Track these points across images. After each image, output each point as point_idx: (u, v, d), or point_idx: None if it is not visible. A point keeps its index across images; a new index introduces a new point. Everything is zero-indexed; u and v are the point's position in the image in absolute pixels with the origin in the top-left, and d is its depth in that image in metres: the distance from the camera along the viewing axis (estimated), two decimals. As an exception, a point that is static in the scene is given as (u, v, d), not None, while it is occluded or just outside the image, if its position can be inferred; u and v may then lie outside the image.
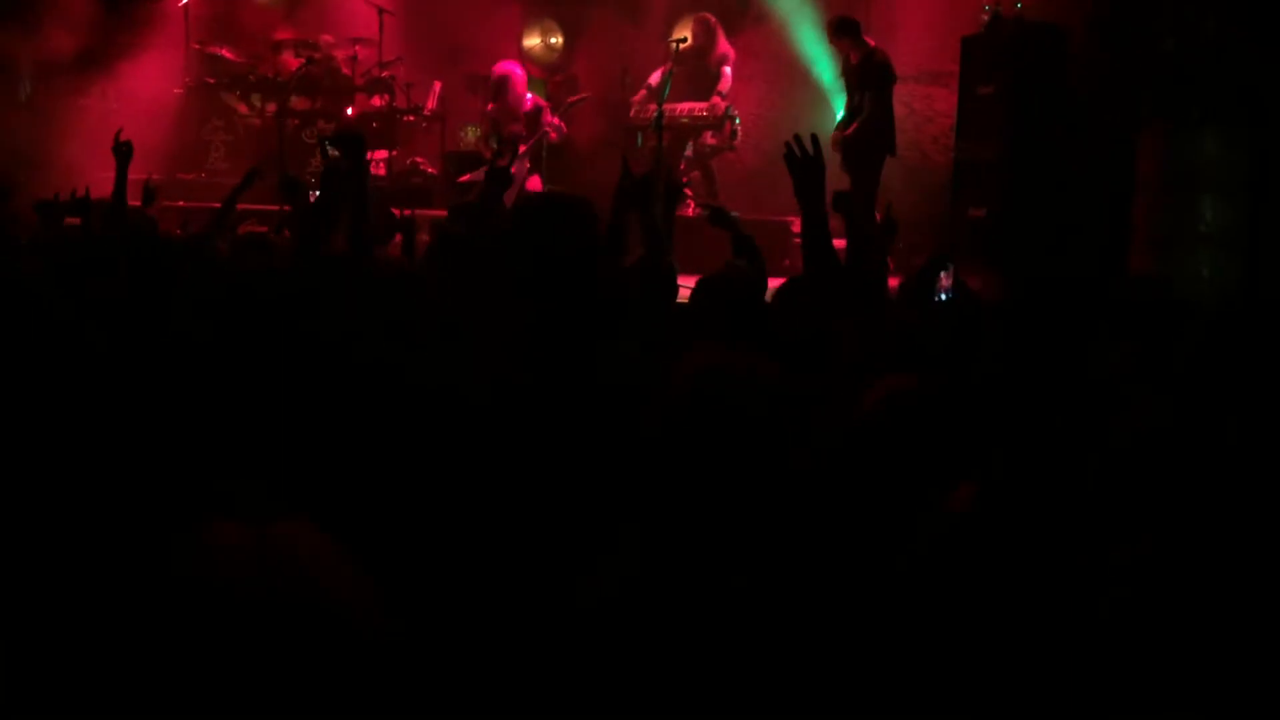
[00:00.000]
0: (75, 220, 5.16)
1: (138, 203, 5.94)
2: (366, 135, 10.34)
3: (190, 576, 1.05)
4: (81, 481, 2.07)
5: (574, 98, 10.34)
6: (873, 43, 8.89)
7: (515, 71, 9.87)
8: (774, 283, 4.01)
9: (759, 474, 1.71)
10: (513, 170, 9.60)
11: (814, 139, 3.48)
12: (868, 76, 8.77)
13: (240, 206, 7.92)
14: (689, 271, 4.48)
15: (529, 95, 9.92)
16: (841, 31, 8.85)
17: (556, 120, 9.87)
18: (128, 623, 1.04)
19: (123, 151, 5.00)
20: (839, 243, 3.88)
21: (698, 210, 9.77)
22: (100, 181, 5.42)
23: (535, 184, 9.70)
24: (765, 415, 1.76)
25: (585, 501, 1.90)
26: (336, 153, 4.19)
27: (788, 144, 3.49)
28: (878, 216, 8.40)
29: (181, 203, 9.79)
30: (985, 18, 8.65)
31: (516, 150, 8.98)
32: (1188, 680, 1.51)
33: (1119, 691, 1.53)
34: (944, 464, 2.00)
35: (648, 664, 1.57)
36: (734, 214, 4.62)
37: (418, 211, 8.80)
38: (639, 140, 9.85)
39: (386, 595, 1.13)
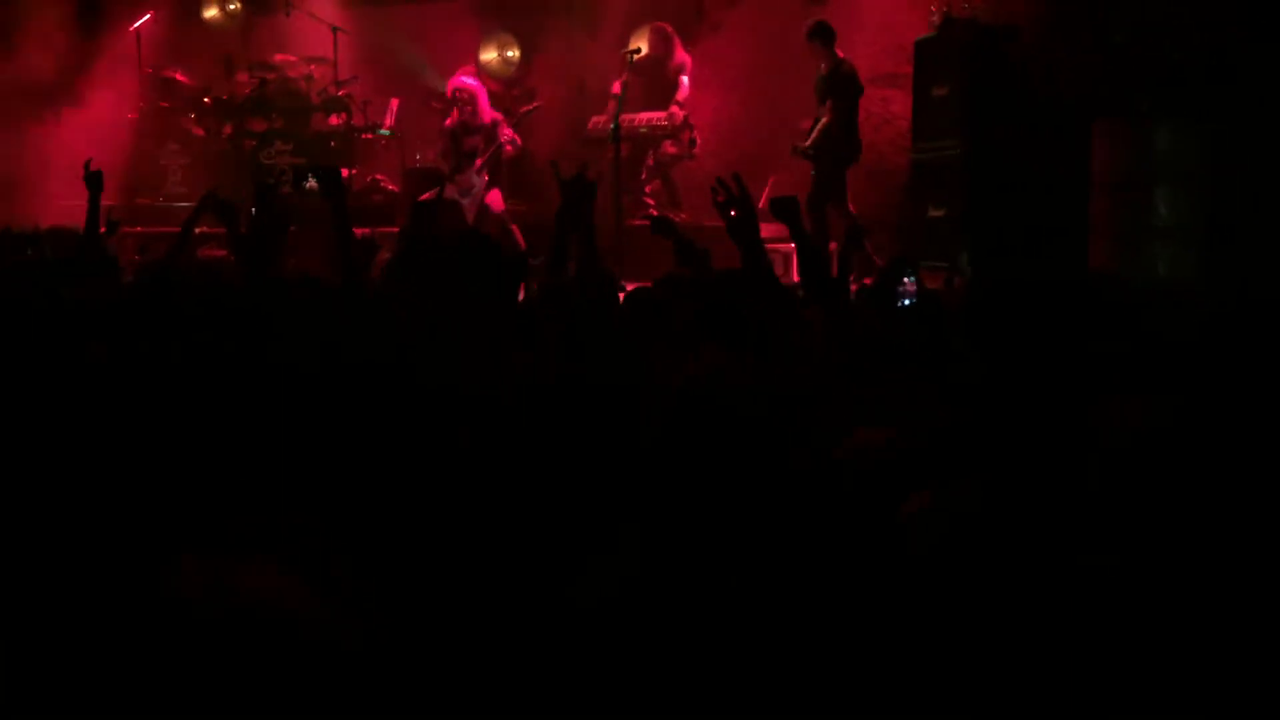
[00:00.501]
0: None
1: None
2: (330, 156, 10.39)
3: (158, 600, 1.06)
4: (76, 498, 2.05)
5: (526, 107, 10.34)
6: (842, 54, 8.98)
7: (474, 84, 9.88)
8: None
9: (757, 474, 1.72)
10: (468, 183, 9.63)
11: (736, 178, 3.57)
12: (833, 87, 8.87)
13: (200, 230, 7.85)
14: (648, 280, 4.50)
15: (487, 108, 9.93)
16: (814, 36, 8.94)
17: (512, 134, 9.88)
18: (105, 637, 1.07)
19: (94, 181, 4.98)
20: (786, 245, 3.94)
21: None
22: (58, 209, 5.40)
23: (495, 198, 9.69)
24: (764, 417, 1.77)
25: (583, 500, 1.90)
26: (314, 185, 4.27)
27: (713, 189, 3.59)
28: (849, 222, 8.56)
29: (140, 228, 9.73)
30: (936, 20, 8.72)
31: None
32: (1188, 680, 1.52)
33: (1117, 692, 1.54)
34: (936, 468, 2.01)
35: (646, 664, 1.57)
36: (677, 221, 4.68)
37: (379, 230, 8.80)
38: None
39: (385, 596, 1.13)
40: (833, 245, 7.95)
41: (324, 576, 1.29)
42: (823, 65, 9.00)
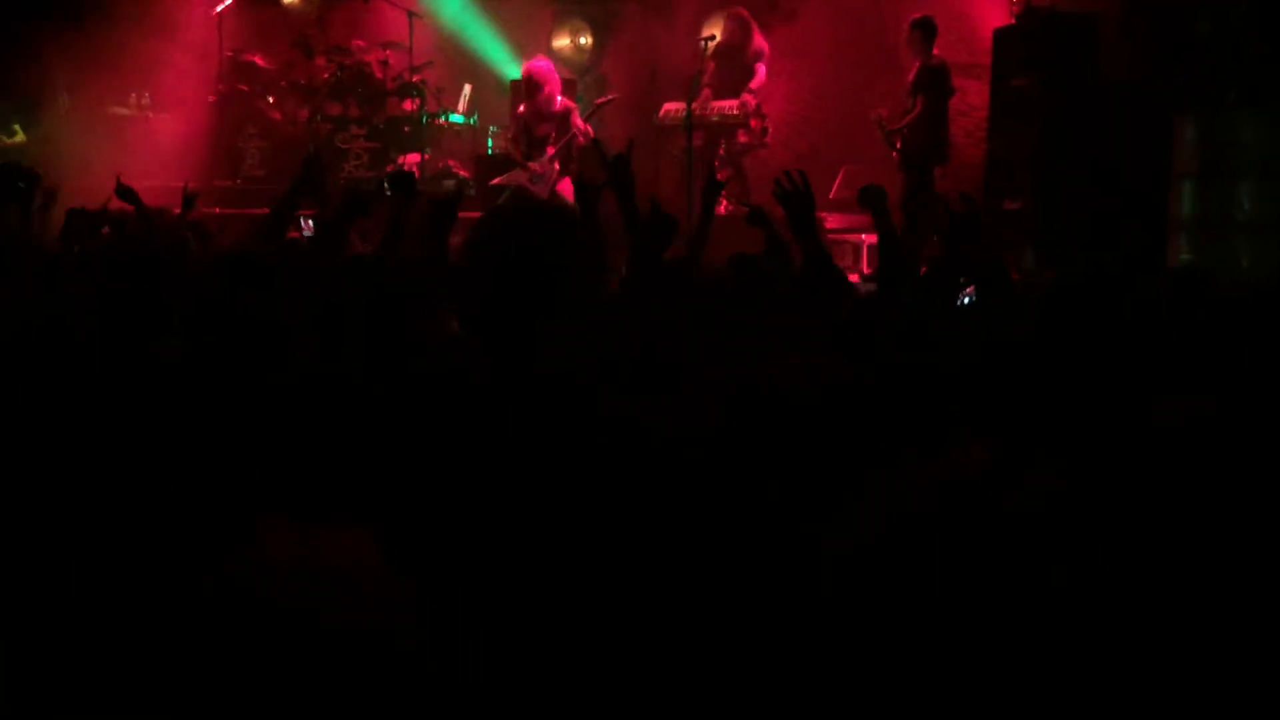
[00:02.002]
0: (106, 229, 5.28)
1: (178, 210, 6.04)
2: (404, 142, 10.52)
3: (238, 589, 1.04)
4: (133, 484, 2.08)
5: (601, 100, 10.34)
6: (937, 52, 8.90)
7: (547, 69, 9.88)
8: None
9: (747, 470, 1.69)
10: (540, 170, 9.66)
11: (801, 174, 3.56)
12: (925, 84, 8.81)
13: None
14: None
15: (559, 97, 9.93)
16: (917, 27, 8.90)
17: (584, 125, 9.88)
18: (172, 636, 1.04)
19: (127, 194, 5.37)
20: (870, 237, 3.90)
21: (730, 208, 9.76)
22: (142, 190, 5.57)
23: (566, 187, 9.72)
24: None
25: (577, 499, 1.89)
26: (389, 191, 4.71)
27: (777, 181, 3.59)
28: (935, 219, 8.47)
29: (218, 209, 9.88)
30: (1016, 9, 8.60)
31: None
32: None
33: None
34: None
35: (651, 663, 1.56)
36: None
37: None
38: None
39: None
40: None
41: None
42: (916, 59, 8.94)
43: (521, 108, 9.93)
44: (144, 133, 10.87)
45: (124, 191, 5.39)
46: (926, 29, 8.90)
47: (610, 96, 10.45)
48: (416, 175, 7.28)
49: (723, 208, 9.81)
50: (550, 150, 9.68)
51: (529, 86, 9.76)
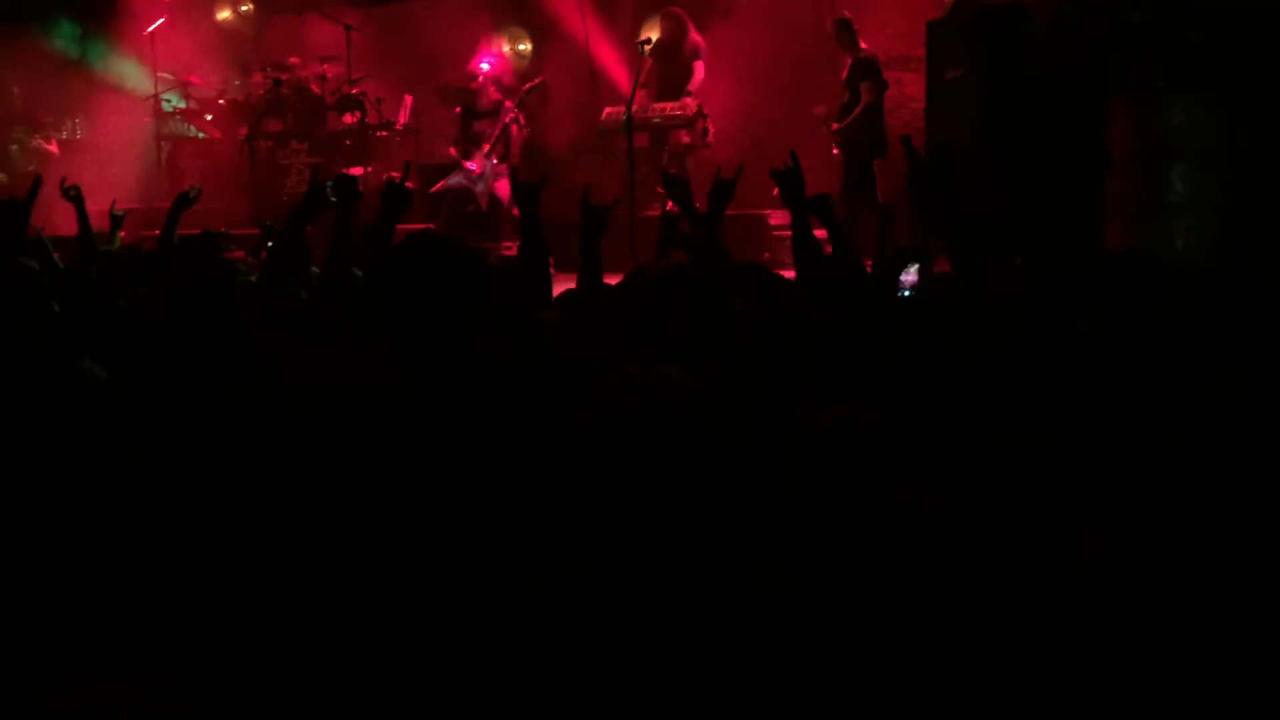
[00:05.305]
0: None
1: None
2: (345, 155, 10.47)
3: None
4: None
5: (529, 84, 10.35)
6: (865, 46, 9.02)
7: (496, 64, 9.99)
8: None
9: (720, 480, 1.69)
10: (476, 171, 9.66)
11: (793, 155, 3.83)
12: (855, 78, 8.92)
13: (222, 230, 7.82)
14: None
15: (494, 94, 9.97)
16: (837, 26, 9.07)
17: (515, 112, 9.90)
18: None
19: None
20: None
21: (674, 207, 9.77)
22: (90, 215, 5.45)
23: (503, 187, 9.65)
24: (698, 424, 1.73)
25: (534, 499, 1.89)
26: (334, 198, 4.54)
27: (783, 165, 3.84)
28: (880, 213, 8.56)
29: (158, 231, 9.78)
30: (947, 1, 8.69)
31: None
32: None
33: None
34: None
35: (612, 660, 1.56)
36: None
37: (397, 226, 8.82)
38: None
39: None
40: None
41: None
42: (847, 58, 9.07)
43: (458, 109, 9.96)
44: (80, 158, 10.75)
45: (67, 192, 5.23)
46: (847, 25, 9.07)
47: (538, 80, 10.44)
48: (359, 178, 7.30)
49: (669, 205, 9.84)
50: (485, 146, 9.68)
51: (481, 88, 9.82)
